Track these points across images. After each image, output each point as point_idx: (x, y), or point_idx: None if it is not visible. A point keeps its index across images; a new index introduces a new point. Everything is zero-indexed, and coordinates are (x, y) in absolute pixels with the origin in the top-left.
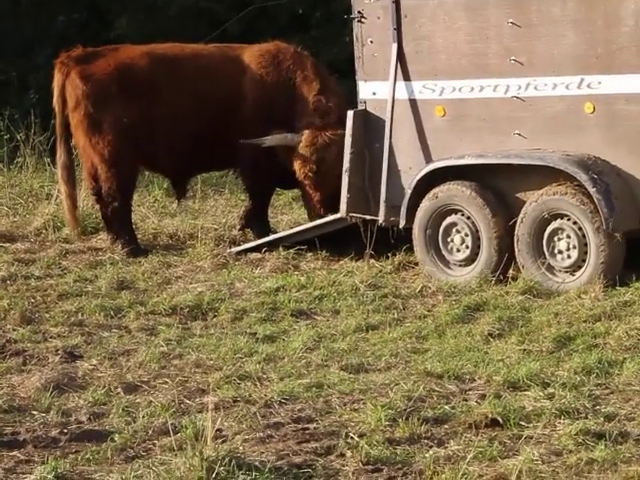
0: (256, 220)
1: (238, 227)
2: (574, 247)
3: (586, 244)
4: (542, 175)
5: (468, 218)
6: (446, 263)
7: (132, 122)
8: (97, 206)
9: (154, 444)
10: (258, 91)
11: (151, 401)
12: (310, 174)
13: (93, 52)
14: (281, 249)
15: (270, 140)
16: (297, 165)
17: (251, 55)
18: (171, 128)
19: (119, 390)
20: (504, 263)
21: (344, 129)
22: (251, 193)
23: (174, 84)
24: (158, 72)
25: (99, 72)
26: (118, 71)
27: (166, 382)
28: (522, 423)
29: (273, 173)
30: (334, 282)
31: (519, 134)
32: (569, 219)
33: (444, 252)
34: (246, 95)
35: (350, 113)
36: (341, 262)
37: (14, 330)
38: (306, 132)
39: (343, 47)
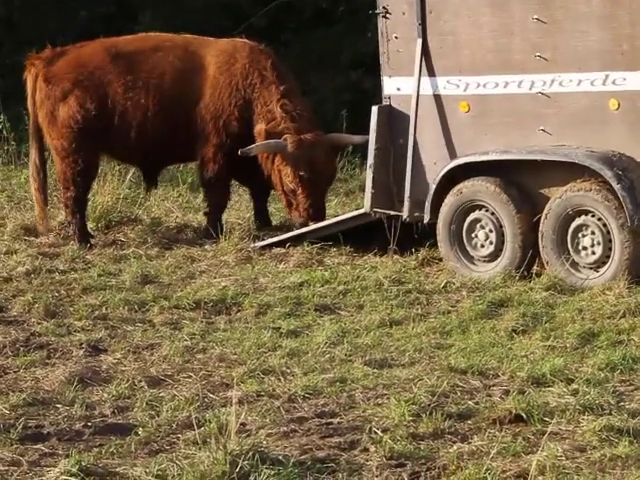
0: (209, 217)
1: (255, 226)
2: (598, 243)
3: (610, 240)
4: (566, 171)
5: (492, 214)
6: (470, 259)
7: (88, 117)
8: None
9: (178, 438)
10: (214, 91)
11: (175, 395)
12: (305, 175)
13: (60, 52)
14: (305, 244)
15: (256, 148)
16: (287, 171)
17: (210, 52)
18: (128, 122)
19: (143, 384)
20: (528, 259)
21: (318, 129)
22: (207, 187)
23: (128, 79)
24: (112, 68)
25: (59, 73)
26: (75, 70)
27: (190, 376)
28: (546, 419)
29: (230, 167)
30: (358, 277)
31: (544, 130)
32: (593, 215)
33: (468, 248)
34: (204, 94)
35: (375, 108)
36: (365, 257)
37: (38, 324)
38: (288, 136)
39: (367, 42)
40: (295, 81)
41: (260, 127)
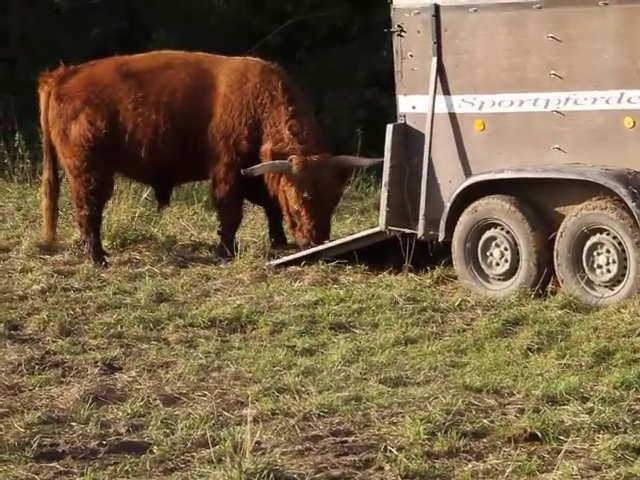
0: (223, 235)
1: (270, 244)
2: (613, 262)
3: (626, 259)
4: (582, 189)
5: (507, 232)
6: (485, 277)
7: (98, 135)
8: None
9: (193, 456)
10: (224, 110)
11: (190, 413)
12: (309, 197)
13: (73, 70)
14: (320, 262)
15: (260, 168)
16: (291, 192)
17: (222, 71)
18: (138, 140)
19: (158, 402)
20: (543, 277)
21: (326, 151)
22: (219, 206)
23: (139, 97)
24: (123, 86)
25: (71, 91)
26: (86, 88)
27: (205, 394)
28: (561, 437)
29: (242, 187)
30: (373, 295)
31: (559, 148)
32: (608, 234)
33: (483, 266)
34: (214, 112)
35: (390, 127)
36: (380, 275)
37: (53, 342)
38: (294, 157)
39: (382, 60)
40: (306, 101)
41: (266, 147)
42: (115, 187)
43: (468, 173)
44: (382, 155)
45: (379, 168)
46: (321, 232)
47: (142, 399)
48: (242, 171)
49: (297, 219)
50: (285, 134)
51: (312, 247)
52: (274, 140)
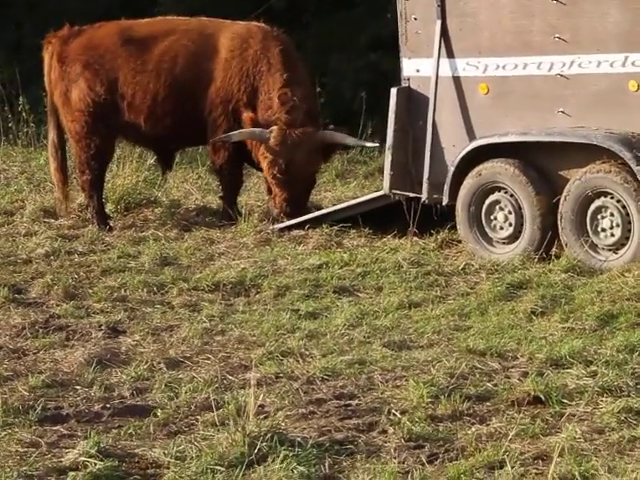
0: (225, 200)
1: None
2: (617, 225)
3: (629, 222)
4: (586, 153)
5: (511, 196)
6: (489, 241)
7: (99, 100)
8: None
9: (196, 419)
10: (225, 76)
11: (194, 377)
12: (279, 174)
13: (77, 31)
14: (324, 226)
15: (238, 135)
16: (265, 163)
17: (224, 36)
18: (138, 106)
19: (162, 366)
20: (547, 241)
21: (311, 125)
22: (218, 172)
23: (139, 63)
24: (123, 51)
25: (72, 54)
26: (86, 52)
27: (208, 358)
28: (564, 401)
29: (241, 151)
30: (377, 259)
31: (563, 112)
32: (612, 197)
33: (487, 230)
34: (215, 78)
35: (394, 90)
36: (384, 239)
37: (57, 305)
38: (275, 129)
39: (387, 23)
40: (303, 70)
41: (246, 115)
42: (119, 151)
43: (472, 137)
44: (385, 120)
45: (383, 132)
46: (293, 206)
47: (146, 362)
48: (218, 138)
49: (272, 188)
50: (275, 102)
51: (283, 220)
52: (264, 107)
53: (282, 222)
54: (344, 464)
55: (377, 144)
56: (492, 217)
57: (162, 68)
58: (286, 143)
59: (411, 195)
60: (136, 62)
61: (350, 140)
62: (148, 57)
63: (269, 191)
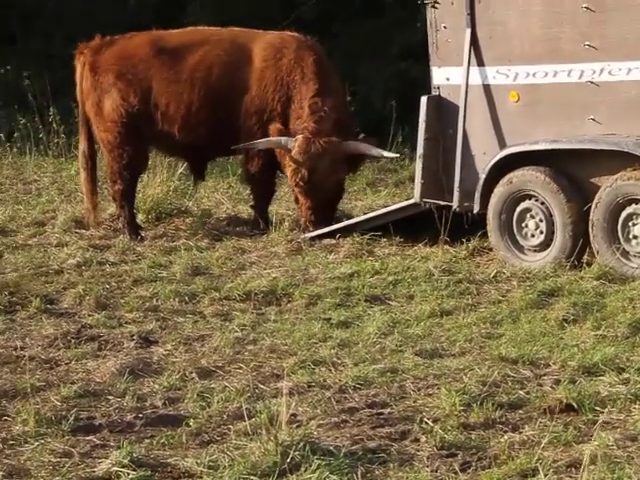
0: (256, 209)
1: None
2: None
3: None
4: (617, 160)
5: (542, 203)
6: (520, 248)
7: (132, 110)
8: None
9: (229, 429)
10: (260, 86)
11: (226, 386)
12: (301, 183)
13: (109, 42)
14: (355, 235)
15: (264, 143)
16: (289, 172)
17: (258, 46)
18: (172, 115)
19: (194, 375)
20: (579, 248)
21: (340, 135)
22: (251, 181)
23: (172, 73)
24: (156, 61)
25: (105, 64)
26: (119, 62)
27: (240, 367)
28: (597, 408)
29: (273, 161)
30: (408, 267)
31: (593, 119)
32: None
33: (518, 237)
34: (249, 87)
35: (424, 99)
36: (415, 248)
37: (89, 316)
38: (300, 138)
39: (416, 32)
40: (336, 80)
41: (274, 126)
42: (150, 161)
43: (503, 145)
44: (416, 128)
45: (414, 140)
46: (319, 214)
47: (178, 372)
48: (241, 145)
49: (297, 197)
50: (305, 111)
51: (310, 228)
52: (295, 116)
53: (311, 231)
54: (377, 473)
55: (397, 155)
56: (523, 225)
57: (196, 78)
58: (309, 152)
59: (442, 203)
60: (169, 72)
61: (374, 151)
62: (182, 67)
63: (296, 200)
